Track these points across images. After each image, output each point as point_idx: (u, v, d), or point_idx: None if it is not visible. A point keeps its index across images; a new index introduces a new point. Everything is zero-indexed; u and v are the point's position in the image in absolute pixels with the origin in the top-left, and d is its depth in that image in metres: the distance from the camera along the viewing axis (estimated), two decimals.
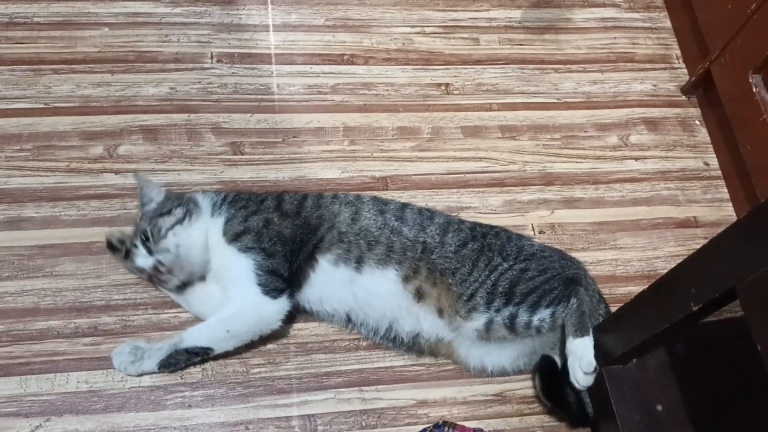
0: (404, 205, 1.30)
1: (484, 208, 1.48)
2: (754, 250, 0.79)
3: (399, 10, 1.71)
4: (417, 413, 1.26)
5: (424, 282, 1.22)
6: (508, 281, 1.20)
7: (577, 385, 1.17)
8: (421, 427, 1.22)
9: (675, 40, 1.79)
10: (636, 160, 1.60)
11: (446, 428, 1.19)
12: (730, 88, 1.50)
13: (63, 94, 1.47)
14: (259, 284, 1.19)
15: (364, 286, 1.22)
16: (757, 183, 1.42)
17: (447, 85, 1.63)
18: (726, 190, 1.59)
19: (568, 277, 1.24)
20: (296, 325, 1.30)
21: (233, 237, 1.23)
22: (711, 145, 1.65)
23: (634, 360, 1.14)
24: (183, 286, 1.25)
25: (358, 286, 1.23)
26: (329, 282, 1.23)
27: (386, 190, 1.47)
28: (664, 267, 1.46)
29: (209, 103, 1.51)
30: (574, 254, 1.36)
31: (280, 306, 1.21)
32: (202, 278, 1.26)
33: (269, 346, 1.27)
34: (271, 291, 1.20)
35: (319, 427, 1.22)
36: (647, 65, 1.74)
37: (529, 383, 1.30)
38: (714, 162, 1.63)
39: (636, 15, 1.81)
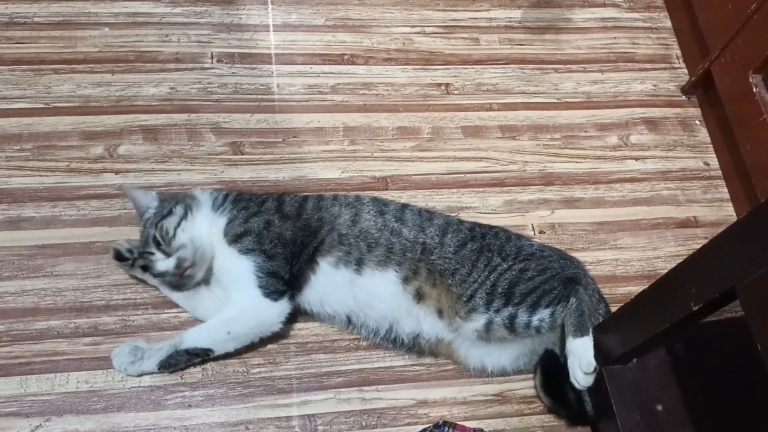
0: (404, 206, 1.30)
1: (485, 208, 1.48)
2: (754, 250, 0.79)
3: (399, 10, 1.71)
4: (417, 413, 1.26)
5: (424, 283, 1.22)
6: (507, 281, 1.20)
7: (577, 385, 1.17)
8: (422, 427, 1.22)
9: (675, 40, 1.79)
10: (636, 160, 1.60)
11: (446, 428, 1.19)
12: (731, 88, 1.50)
13: (63, 94, 1.47)
14: (260, 286, 1.19)
15: (364, 287, 1.22)
16: (757, 183, 1.42)
17: (447, 85, 1.63)
18: (726, 190, 1.59)
19: (567, 277, 1.24)
20: (296, 325, 1.30)
21: (234, 238, 1.23)
22: (711, 145, 1.65)
23: (634, 360, 1.14)
24: (183, 287, 1.25)
25: (358, 288, 1.23)
26: (330, 284, 1.23)
27: (386, 190, 1.47)
28: (664, 267, 1.46)
29: (209, 103, 1.51)
30: (574, 254, 1.36)
31: (280, 308, 1.21)
32: (205, 280, 1.26)
33: (269, 346, 1.27)
34: (272, 293, 1.20)
35: (319, 427, 1.22)
36: (647, 65, 1.74)
37: (529, 383, 1.30)
38: (714, 162, 1.63)
39: (636, 15, 1.81)
